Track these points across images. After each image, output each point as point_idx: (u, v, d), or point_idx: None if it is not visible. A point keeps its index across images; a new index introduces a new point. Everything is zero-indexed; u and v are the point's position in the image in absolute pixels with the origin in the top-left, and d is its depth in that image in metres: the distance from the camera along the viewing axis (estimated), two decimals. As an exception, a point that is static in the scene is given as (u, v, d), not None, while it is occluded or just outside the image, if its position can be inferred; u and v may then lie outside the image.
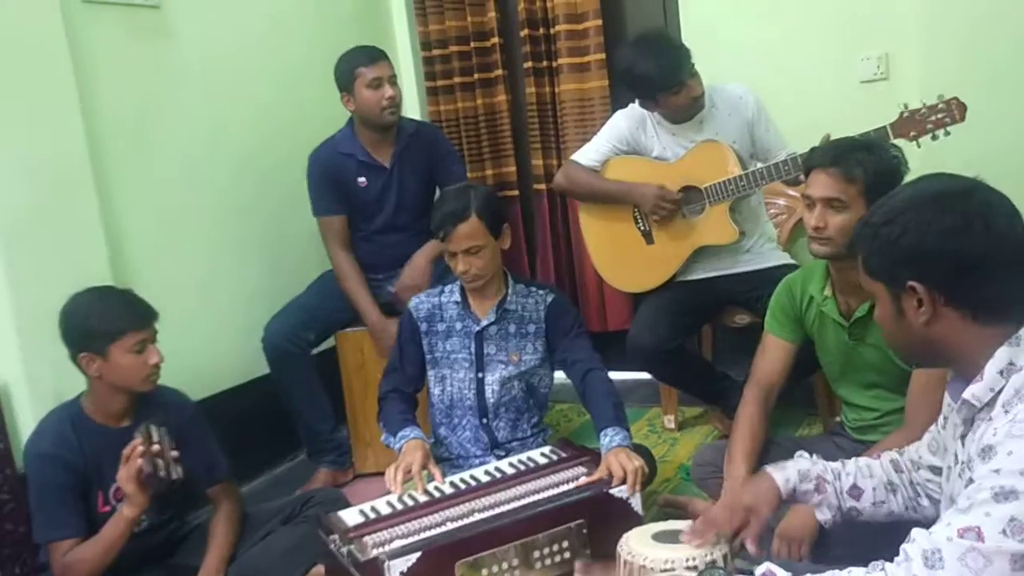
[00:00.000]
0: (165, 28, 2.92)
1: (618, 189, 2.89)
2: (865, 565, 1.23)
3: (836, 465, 1.62)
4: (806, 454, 1.66)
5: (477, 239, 2.25)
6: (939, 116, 2.40)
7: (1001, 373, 1.23)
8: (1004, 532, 1.08)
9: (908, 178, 1.84)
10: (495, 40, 3.69)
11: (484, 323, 2.37)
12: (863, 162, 1.92)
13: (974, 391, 1.25)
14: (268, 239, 3.28)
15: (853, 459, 1.64)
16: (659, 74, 2.67)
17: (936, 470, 1.49)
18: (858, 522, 1.60)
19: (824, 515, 1.60)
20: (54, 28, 2.50)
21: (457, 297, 2.40)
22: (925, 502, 1.54)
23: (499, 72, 3.72)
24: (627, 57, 2.75)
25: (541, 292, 2.43)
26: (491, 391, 2.39)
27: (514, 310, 2.38)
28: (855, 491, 1.58)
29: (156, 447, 1.98)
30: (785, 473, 1.59)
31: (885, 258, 1.30)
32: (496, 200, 2.39)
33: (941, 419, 1.48)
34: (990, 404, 1.24)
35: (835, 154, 1.97)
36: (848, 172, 1.92)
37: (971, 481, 1.16)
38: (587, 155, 2.96)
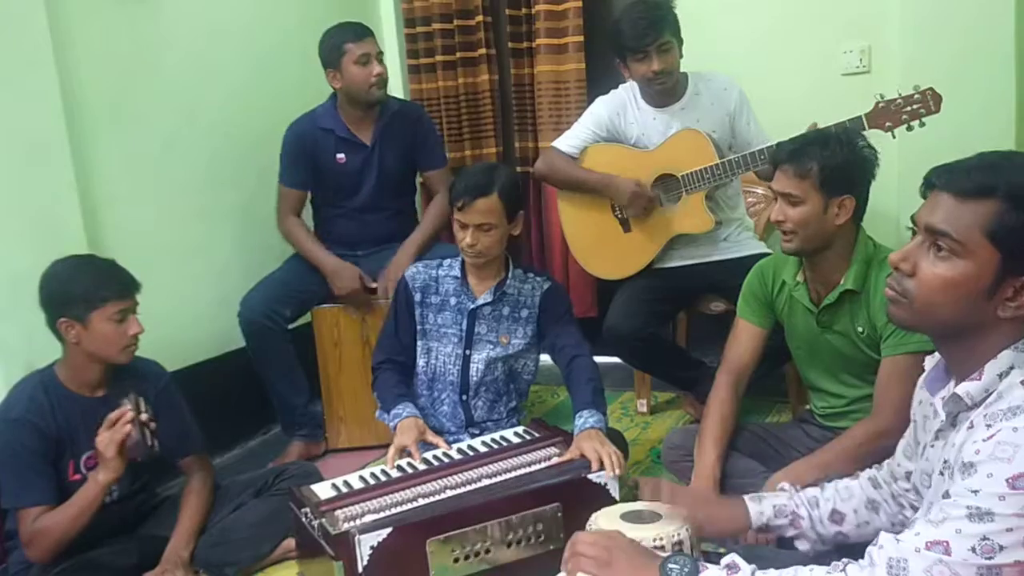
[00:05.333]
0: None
1: (595, 181, 2.89)
2: (830, 556, 1.23)
3: (814, 492, 1.61)
4: (787, 486, 1.65)
5: (492, 217, 2.27)
6: (914, 107, 2.41)
7: (1000, 376, 1.19)
8: (973, 550, 1.09)
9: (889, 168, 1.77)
10: (480, 18, 3.65)
11: (480, 302, 2.39)
12: (817, 157, 1.95)
13: (969, 389, 1.21)
14: (245, 212, 3.25)
15: (832, 483, 1.62)
16: (628, 32, 2.68)
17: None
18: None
19: (804, 546, 1.60)
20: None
21: (456, 272, 2.42)
22: (910, 513, 1.50)
23: (483, 51, 3.68)
24: (617, 10, 2.77)
25: (539, 279, 2.46)
26: (475, 369, 2.41)
27: (511, 294, 2.41)
28: (836, 516, 1.58)
29: (144, 416, 1.99)
30: (760, 507, 1.60)
31: None
32: (518, 186, 2.42)
33: (915, 421, 1.45)
34: (977, 405, 1.20)
35: (792, 149, 2.01)
36: (801, 167, 1.96)
37: (947, 494, 1.15)
38: (566, 141, 2.96)
